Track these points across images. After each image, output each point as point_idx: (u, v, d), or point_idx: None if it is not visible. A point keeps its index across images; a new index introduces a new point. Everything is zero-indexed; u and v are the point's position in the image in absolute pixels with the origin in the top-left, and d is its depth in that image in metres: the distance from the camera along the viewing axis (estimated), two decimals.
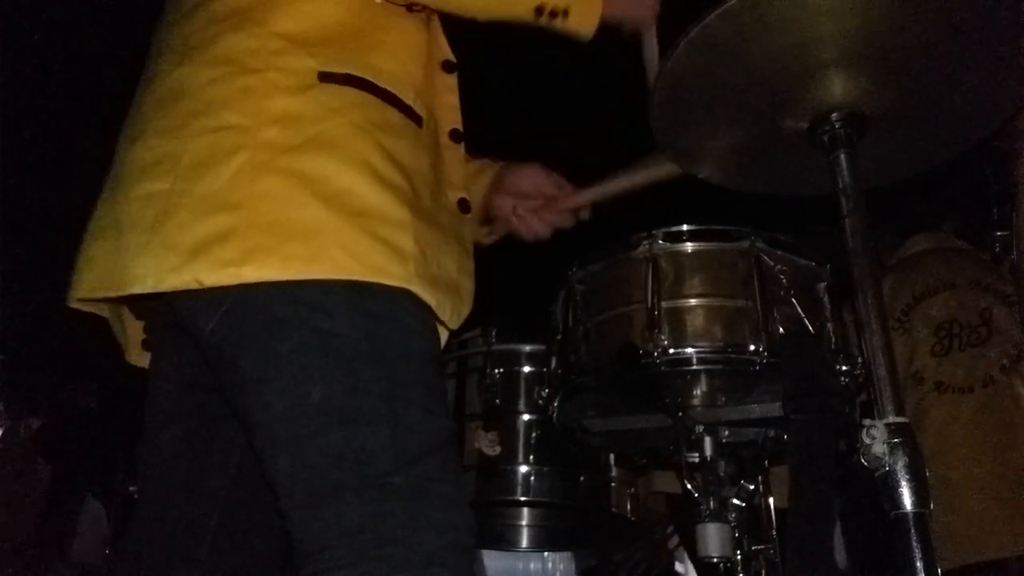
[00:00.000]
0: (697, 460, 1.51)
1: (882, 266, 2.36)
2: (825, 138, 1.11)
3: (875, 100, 1.11)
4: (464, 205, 1.20)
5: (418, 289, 1.00)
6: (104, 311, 1.19)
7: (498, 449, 1.80)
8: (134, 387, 1.26)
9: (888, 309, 2.13)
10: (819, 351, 1.44)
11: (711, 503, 1.47)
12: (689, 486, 1.50)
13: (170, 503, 1.14)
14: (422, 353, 1.02)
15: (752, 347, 1.40)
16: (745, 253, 1.47)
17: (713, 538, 1.44)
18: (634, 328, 1.45)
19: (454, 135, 1.23)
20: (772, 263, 1.47)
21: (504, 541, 1.87)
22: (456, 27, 1.26)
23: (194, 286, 0.94)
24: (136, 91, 1.16)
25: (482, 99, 1.28)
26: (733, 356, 1.42)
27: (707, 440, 1.52)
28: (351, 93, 1.05)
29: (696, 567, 1.76)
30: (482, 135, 1.38)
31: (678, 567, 2.18)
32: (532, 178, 1.52)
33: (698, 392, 1.56)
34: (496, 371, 1.88)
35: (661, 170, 1.41)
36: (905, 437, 0.91)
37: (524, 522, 1.86)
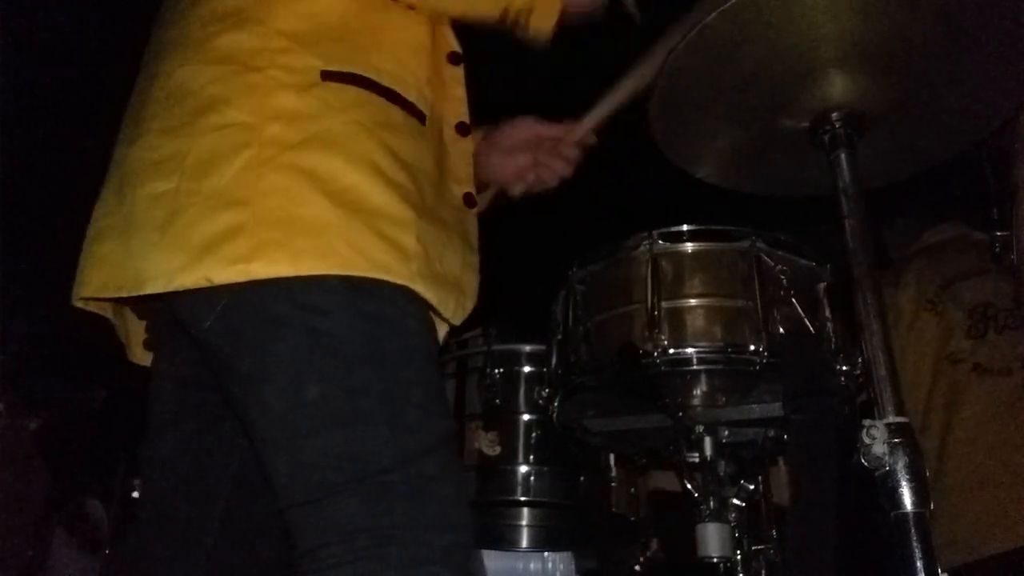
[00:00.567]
0: (697, 460, 1.52)
1: (888, 255, 2.36)
2: (825, 138, 1.11)
3: (875, 100, 1.11)
4: (469, 200, 1.19)
5: (420, 288, 1.00)
6: (107, 311, 1.18)
7: (498, 449, 1.80)
8: (135, 387, 1.26)
9: (919, 292, 2.14)
10: (819, 351, 1.44)
11: (711, 503, 1.48)
12: (689, 486, 1.50)
13: (172, 503, 1.14)
14: (422, 353, 1.02)
15: (752, 347, 1.40)
16: (745, 253, 1.47)
17: (713, 538, 1.44)
18: (634, 328, 1.46)
19: (460, 128, 1.21)
20: (772, 263, 1.47)
21: (504, 541, 1.87)
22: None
23: (204, 284, 0.93)
24: (134, 90, 1.15)
25: (488, 91, 1.27)
26: (733, 356, 1.42)
27: (707, 440, 1.52)
28: (354, 92, 1.05)
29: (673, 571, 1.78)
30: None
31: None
32: (528, 128, 1.47)
33: (698, 392, 1.56)
34: (496, 371, 1.88)
35: (649, 68, 1.34)
36: (905, 437, 0.91)
37: (524, 522, 1.86)
